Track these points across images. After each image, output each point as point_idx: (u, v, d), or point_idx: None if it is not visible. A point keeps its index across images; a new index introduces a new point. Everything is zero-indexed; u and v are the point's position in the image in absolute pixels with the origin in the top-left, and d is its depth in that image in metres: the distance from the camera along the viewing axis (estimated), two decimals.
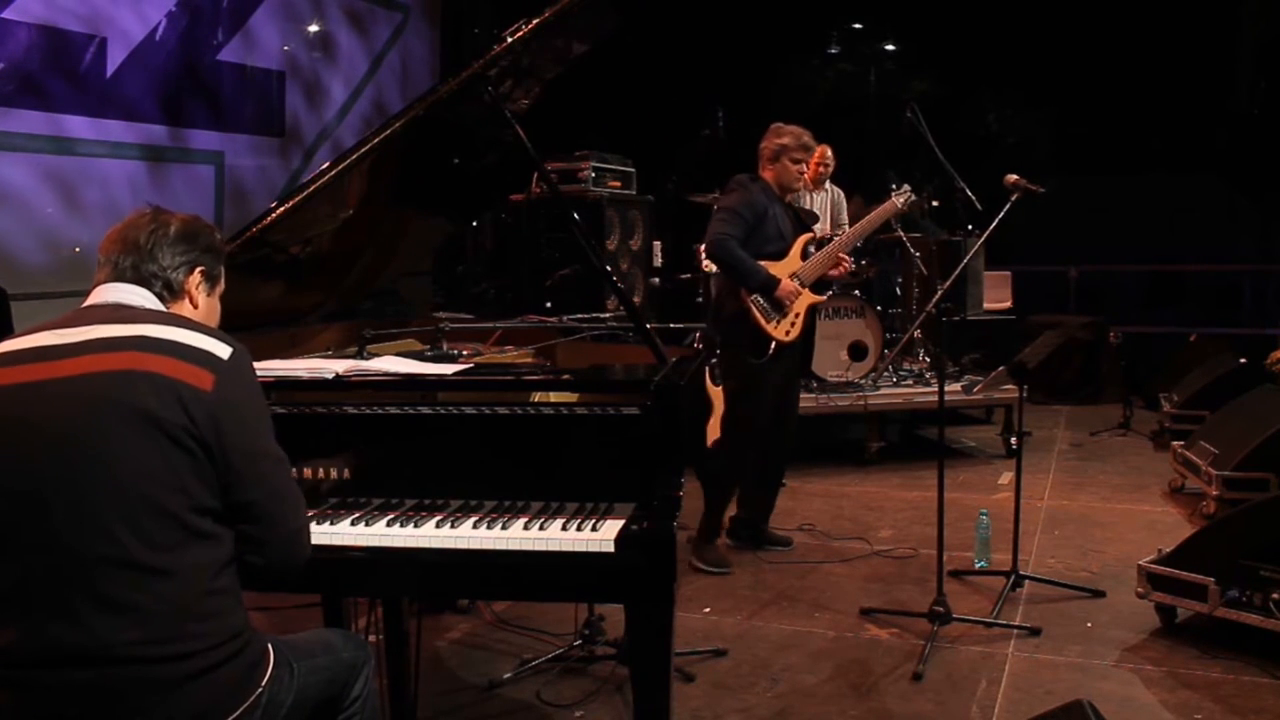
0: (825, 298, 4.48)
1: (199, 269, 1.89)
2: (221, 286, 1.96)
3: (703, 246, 4.51)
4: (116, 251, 1.83)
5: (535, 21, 2.48)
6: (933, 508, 3.70)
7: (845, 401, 6.13)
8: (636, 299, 6.79)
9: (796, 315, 4.19)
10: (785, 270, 4.16)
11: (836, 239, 4.48)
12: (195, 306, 1.88)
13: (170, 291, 1.85)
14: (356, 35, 7.98)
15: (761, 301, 4.12)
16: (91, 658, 1.57)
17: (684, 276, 7.06)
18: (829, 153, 6.94)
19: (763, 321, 4.12)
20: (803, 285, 4.20)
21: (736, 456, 4.30)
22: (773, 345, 4.16)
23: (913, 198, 4.71)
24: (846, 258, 4.34)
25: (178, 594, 1.61)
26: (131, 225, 1.86)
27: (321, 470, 2.17)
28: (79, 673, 1.57)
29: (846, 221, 6.91)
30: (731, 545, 4.55)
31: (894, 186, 4.66)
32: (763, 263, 4.13)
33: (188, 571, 1.63)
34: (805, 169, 4.33)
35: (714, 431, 4.15)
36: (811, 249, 4.34)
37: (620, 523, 2.01)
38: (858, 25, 10.60)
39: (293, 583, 2.05)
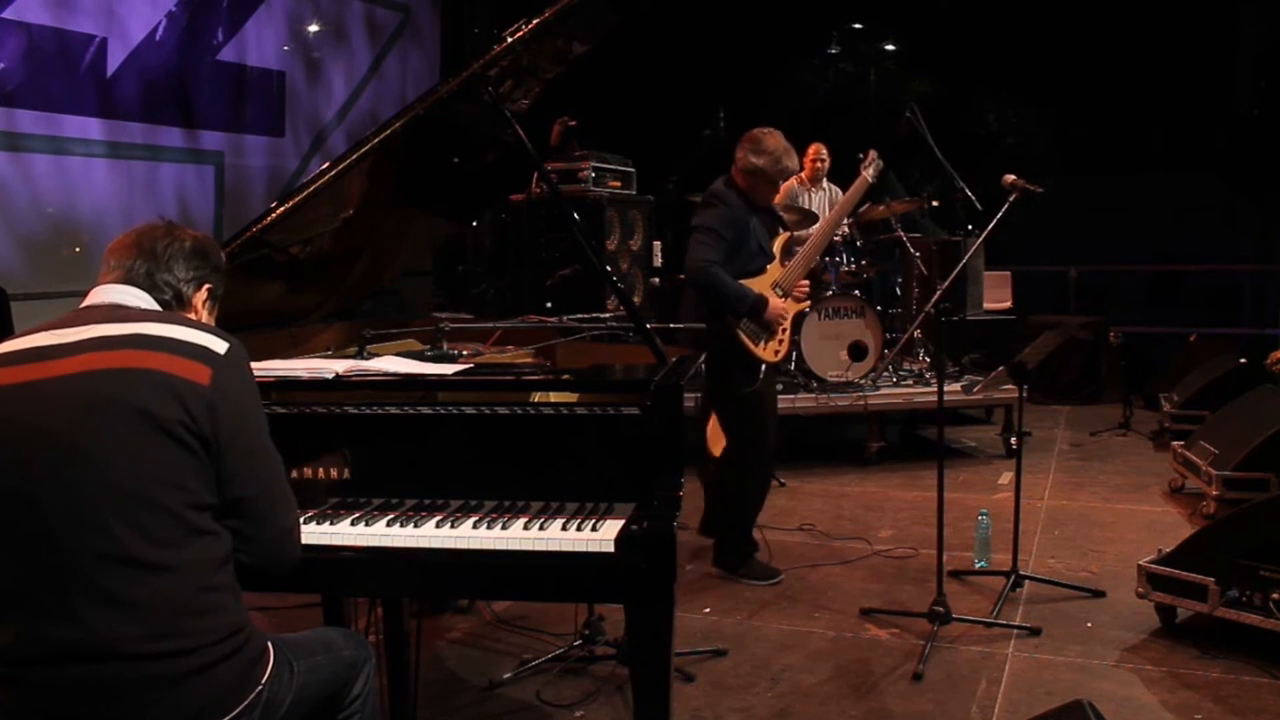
0: (809, 304, 4.28)
1: (207, 286, 1.92)
2: (218, 310, 1.99)
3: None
4: (130, 257, 1.84)
5: (535, 21, 2.48)
6: (933, 508, 3.70)
7: (845, 401, 6.13)
8: (636, 299, 6.80)
9: (784, 331, 4.05)
10: (767, 282, 3.98)
11: (815, 229, 4.34)
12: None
13: (179, 302, 1.88)
14: (356, 35, 7.99)
15: (749, 325, 3.92)
16: (91, 654, 1.57)
17: (684, 277, 7.06)
18: (824, 150, 6.94)
19: (751, 346, 3.94)
20: (785, 294, 4.03)
21: (758, 472, 4.27)
22: (763, 368, 4.02)
23: (881, 164, 4.39)
24: (805, 283, 4.13)
25: (177, 590, 1.62)
26: (146, 234, 1.88)
27: (321, 470, 2.17)
28: (78, 670, 1.57)
29: (845, 220, 6.92)
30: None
31: (861, 157, 4.37)
32: (744, 282, 3.92)
33: (187, 568, 1.63)
34: (778, 190, 4.08)
35: (714, 432, 4.16)
36: (794, 248, 4.17)
37: (620, 523, 2.01)
38: (858, 25, 10.60)
39: (293, 582, 2.05)
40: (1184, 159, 9.44)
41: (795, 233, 6.76)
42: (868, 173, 4.34)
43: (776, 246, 4.11)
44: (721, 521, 4.30)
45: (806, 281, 4.16)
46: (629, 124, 8.10)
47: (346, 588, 2.52)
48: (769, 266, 4.03)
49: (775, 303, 3.95)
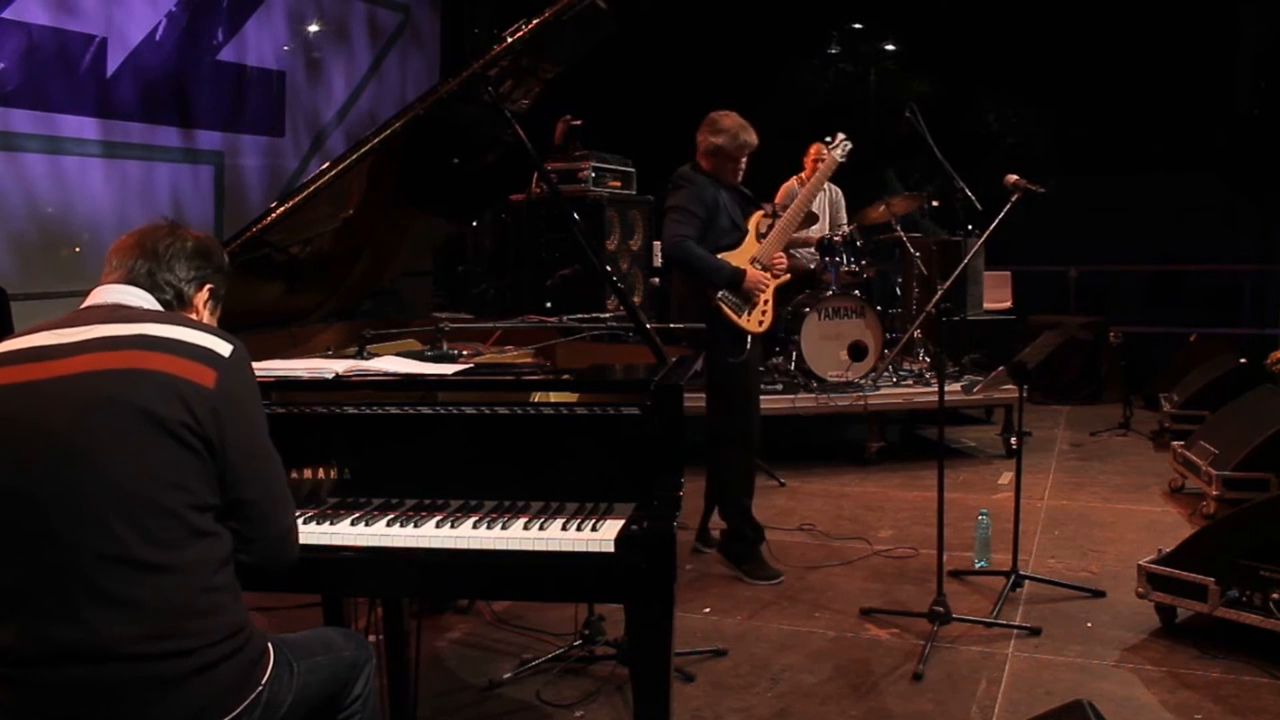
0: (790, 277, 4.37)
1: (208, 286, 1.93)
2: (219, 311, 1.99)
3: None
4: (133, 257, 1.85)
5: (535, 21, 2.48)
6: (933, 508, 3.70)
7: (845, 401, 6.12)
8: (636, 299, 6.79)
9: (767, 302, 4.10)
10: (744, 257, 4.05)
11: (789, 208, 4.36)
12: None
13: (180, 302, 1.88)
14: (356, 35, 7.98)
15: (730, 297, 4.00)
16: (91, 655, 1.57)
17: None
18: (824, 150, 6.94)
19: (734, 317, 4.01)
20: (764, 268, 4.09)
21: (746, 456, 4.29)
22: (749, 339, 4.08)
23: (849, 145, 4.47)
24: (781, 257, 4.18)
25: (178, 590, 1.62)
26: (148, 234, 1.88)
27: (321, 470, 2.17)
28: (79, 670, 1.57)
29: (845, 220, 6.92)
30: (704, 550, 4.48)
31: (828, 140, 4.45)
32: (721, 255, 4.02)
33: (188, 568, 1.63)
34: (743, 167, 4.15)
35: None
36: (770, 220, 4.21)
37: (620, 523, 2.01)
38: (858, 25, 10.60)
39: (293, 582, 2.05)
40: (1184, 159, 9.43)
41: (794, 233, 6.75)
42: (836, 153, 4.43)
43: (750, 224, 4.18)
44: (721, 508, 4.32)
45: (782, 255, 4.22)
46: (629, 124, 8.10)
47: (346, 588, 2.52)
48: (745, 241, 4.12)
49: (754, 273, 4.03)
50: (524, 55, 2.56)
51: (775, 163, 5.72)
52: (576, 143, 7.00)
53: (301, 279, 2.89)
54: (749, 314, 4.05)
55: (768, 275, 4.08)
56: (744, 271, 4.00)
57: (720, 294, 3.99)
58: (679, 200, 4.06)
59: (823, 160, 6.87)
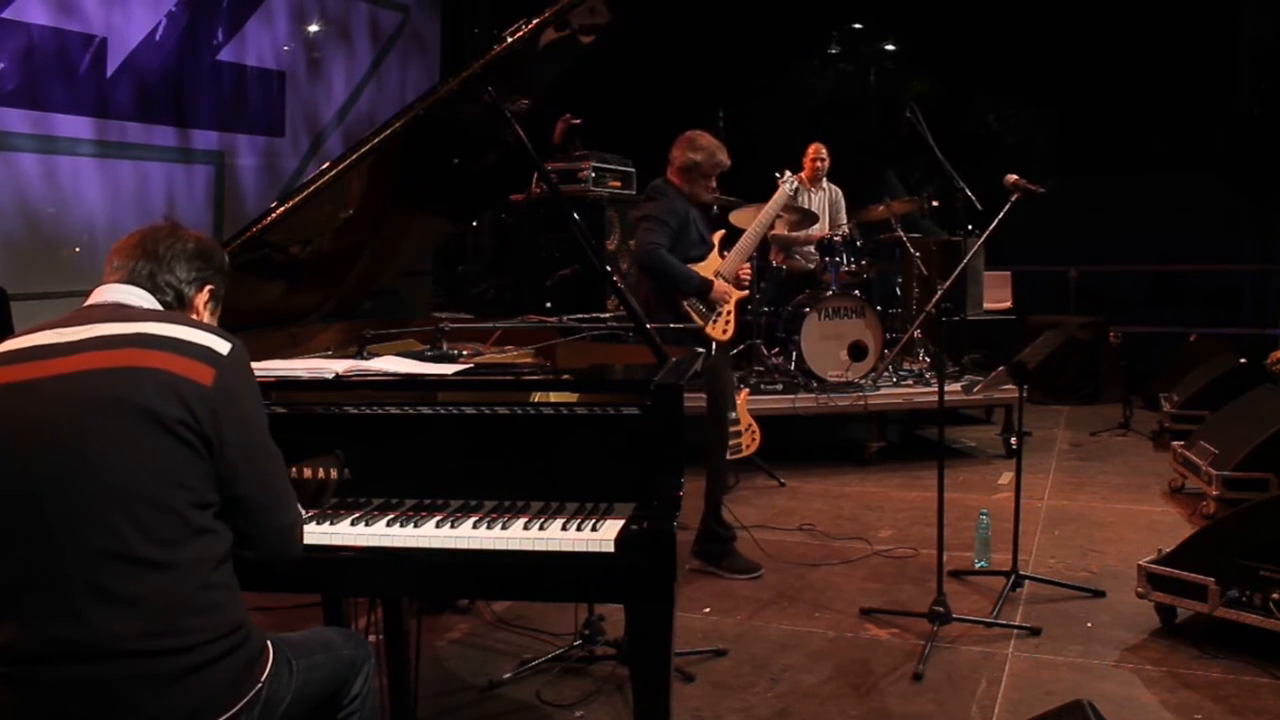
0: (749, 292, 4.48)
1: (209, 287, 1.93)
2: (219, 311, 1.99)
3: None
4: (134, 258, 1.86)
5: (535, 21, 2.47)
6: (933, 508, 3.70)
7: (845, 401, 6.12)
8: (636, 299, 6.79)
9: (729, 313, 4.26)
10: (709, 270, 4.23)
11: (746, 233, 4.47)
12: None
13: (180, 303, 1.89)
14: (356, 35, 7.99)
15: (698, 305, 4.18)
16: (90, 653, 1.57)
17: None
18: (823, 150, 6.96)
19: (701, 324, 4.17)
20: (727, 281, 4.23)
21: (716, 456, 4.32)
22: (714, 346, 4.22)
23: (796, 184, 4.74)
24: (747, 268, 4.36)
25: (176, 588, 1.62)
26: (149, 235, 1.89)
27: (322, 470, 2.17)
28: (78, 668, 1.57)
29: (845, 220, 6.92)
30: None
31: (778, 175, 4.72)
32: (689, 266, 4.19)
33: (187, 565, 1.64)
34: (714, 186, 4.32)
35: None
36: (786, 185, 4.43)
37: (620, 523, 2.01)
38: (858, 25, 10.61)
39: (293, 582, 2.05)
40: (1184, 159, 9.44)
41: (794, 234, 6.78)
42: (786, 187, 4.67)
43: (715, 239, 4.34)
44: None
45: (748, 266, 4.40)
46: (629, 124, 8.10)
47: (346, 588, 2.51)
48: (710, 255, 4.28)
49: (720, 284, 4.21)
50: (524, 56, 2.56)
51: (775, 162, 5.71)
52: (576, 143, 7.01)
53: (301, 279, 2.89)
54: (714, 322, 4.21)
55: (731, 288, 4.25)
56: (712, 282, 4.18)
57: (689, 301, 4.17)
58: (653, 210, 4.22)
59: (822, 161, 6.95)
